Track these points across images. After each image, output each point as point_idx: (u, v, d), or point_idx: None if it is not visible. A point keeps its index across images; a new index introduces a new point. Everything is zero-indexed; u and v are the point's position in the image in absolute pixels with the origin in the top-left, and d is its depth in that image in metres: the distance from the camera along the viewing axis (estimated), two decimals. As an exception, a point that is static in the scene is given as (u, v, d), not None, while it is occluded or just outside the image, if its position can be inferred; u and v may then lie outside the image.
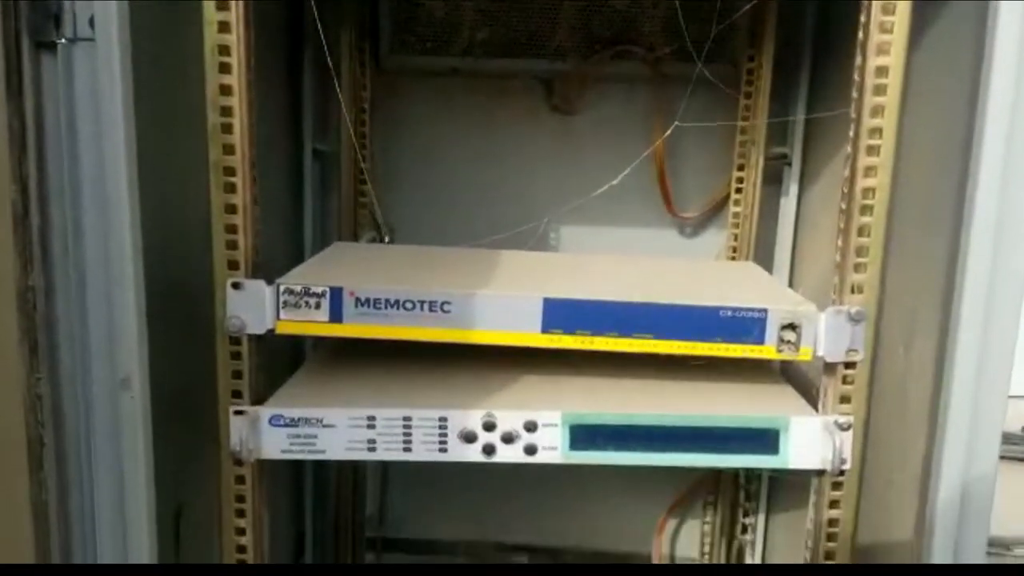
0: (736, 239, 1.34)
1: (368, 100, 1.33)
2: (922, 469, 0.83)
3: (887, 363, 0.91)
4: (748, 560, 1.48)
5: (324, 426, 0.88)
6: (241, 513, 0.90)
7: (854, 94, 0.88)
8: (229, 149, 0.83)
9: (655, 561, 1.53)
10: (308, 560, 1.39)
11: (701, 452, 0.91)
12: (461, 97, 1.38)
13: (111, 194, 0.70)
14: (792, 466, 0.91)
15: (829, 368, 0.91)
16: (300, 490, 1.39)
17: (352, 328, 0.88)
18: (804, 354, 0.89)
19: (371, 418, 0.88)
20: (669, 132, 1.18)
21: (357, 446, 0.88)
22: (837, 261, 0.90)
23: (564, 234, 1.41)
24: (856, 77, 0.87)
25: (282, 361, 1.09)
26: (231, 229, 0.85)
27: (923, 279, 0.84)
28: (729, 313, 0.89)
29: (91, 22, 0.69)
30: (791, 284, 1.33)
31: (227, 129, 0.83)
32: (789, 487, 1.35)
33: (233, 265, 0.86)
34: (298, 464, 1.38)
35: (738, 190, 1.34)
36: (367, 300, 0.87)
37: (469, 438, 0.89)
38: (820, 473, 0.92)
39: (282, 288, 0.87)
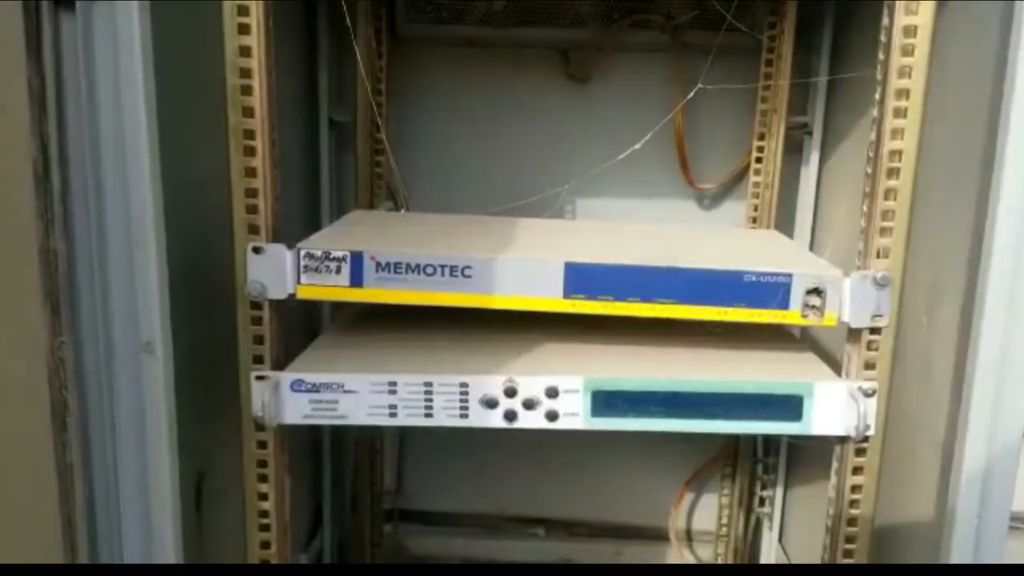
0: (756, 209, 1.33)
1: (384, 69, 1.32)
2: (945, 440, 0.82)
3: (909, 331, 0.90)
4: (765, 533, 1.48)
5: (345, 391, 0.88)
6: (263, 478, 0.90)
7: (880, 55, 0.86)
8: (248, 112, 0.83)
9: (671, 535, 1.53)
10: (326, 532, 1.40)
11: (724, 419, 0.90)
12: (477, 67, 1.37)
13: (130, 155, 0.70)
14: (815, 432, 0.90)
15: (854, 334, 0.90)
16: (318, 462, 1.39)
17: (373, 293, 0.87)
18: (829, 319, 0.88)
19: (392, 383, 0.88)
20: (692, 95, 1.17)
21: (378, 411, 0.88)
22: (862, 226, 0.89)
23: (580, 206, 1.40)
24: (883, 38, 0.85)
25: (298, 332, 1.08)
26: (251, 193, 0.85)
27: (947, 246, 0.83)
28: (753, 278, 0.89)
29: (110, -20, 0.68)
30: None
31: (247, 91, 0.82)
32: (807, 460, 1.35)
33: (253, 230, 0.86)
34: (316, 436, 1.38)
35: (758, 159, 1.32)
36: (388, 264, 0.87)
37: (490, 404, 0.88)
38: (843, 440, 0.92)
39: (303, 252, 0.86)
